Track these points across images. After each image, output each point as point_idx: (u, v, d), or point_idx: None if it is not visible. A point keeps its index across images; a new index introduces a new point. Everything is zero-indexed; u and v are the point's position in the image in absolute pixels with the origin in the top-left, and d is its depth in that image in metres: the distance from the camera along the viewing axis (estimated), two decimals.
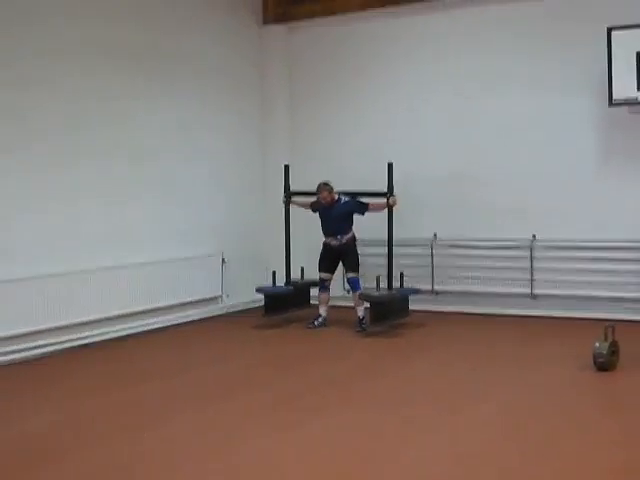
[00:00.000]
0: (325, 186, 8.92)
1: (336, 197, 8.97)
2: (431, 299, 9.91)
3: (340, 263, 9.12)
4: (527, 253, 9.41)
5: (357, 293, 8.86)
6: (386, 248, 8.97)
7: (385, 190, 8.82)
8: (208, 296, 9.84)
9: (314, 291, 9.49)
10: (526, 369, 6.99)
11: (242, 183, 10.48)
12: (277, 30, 10.72)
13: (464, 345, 8.12)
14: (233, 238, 10.16)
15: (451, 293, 9.88)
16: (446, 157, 9.84)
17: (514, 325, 9.02)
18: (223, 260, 9.98)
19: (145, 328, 8.82)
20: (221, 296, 10.03)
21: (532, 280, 9.40)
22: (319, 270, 9.15)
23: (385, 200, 8.81)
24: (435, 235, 9.90)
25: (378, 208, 8.88)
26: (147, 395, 6.39)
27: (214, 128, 10.03)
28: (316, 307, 9.28)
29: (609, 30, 8.50)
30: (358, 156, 10.25)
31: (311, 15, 10.47)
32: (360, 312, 8.84)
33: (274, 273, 9.31)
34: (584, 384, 6.49)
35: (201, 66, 9.80)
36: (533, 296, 9.40)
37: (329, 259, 9.12)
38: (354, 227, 9.08)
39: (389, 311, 8.68)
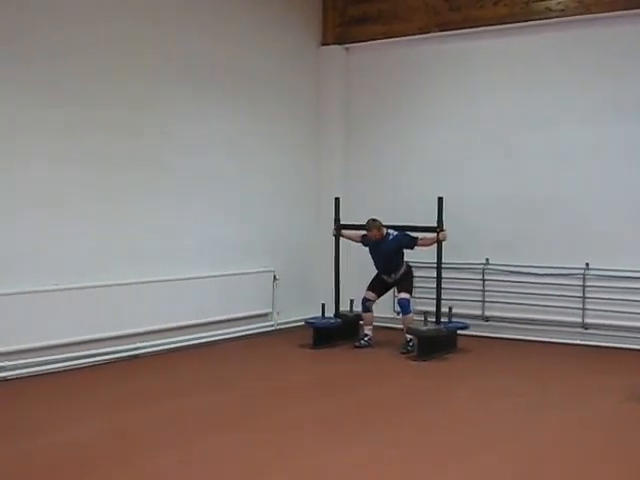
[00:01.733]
0: (374, 222, 8.97)
1: (385, 232, 9.01)
2: (482, 325, 9.85)
3: (392, 289, 9.24)
4: (580, 282, 9.30)
5: (408, 316, 8.85)
6: (435, 282, 8.92)
7: (435, 225, 8.78)
8: (259, 312, 9.91)
9: None
10: (572, 401, 6.90)
11: (297, 203, 10.56)
12: (335, 51, 10.81)
13: (511, 374, 8.03)
14: (286, 256, 10.22)
15: (502, 319, 9.79)
16: (500, 185, 9.80)
17: (564, 354, 8.91)
18: (275, 277, 10.05)
19: (195, 342, 8.93)
20: (271, 313, 10.08)
21: (584, 309, 9.28)
22: (367, 289, 9.16)
23: (435, 235, 8.78)
24: (487, 260, 9.84)
25: (428, 243, 8.86)
26: (192, 408, 6.45)
27: (271, 146, 10.14)
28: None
29: None
30: (411, 183, 10.29)
31: (370, 37, 10.55)
32: (409, 335, 8.80)
33: (323, 305, 9.27)
34: (630, 418, 6.38)
35: (260, 84, 9.91)
36: (585, 325, 9.27)
37: (380, 283, 9.16)
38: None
39: (436, 346, 8.66)
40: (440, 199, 8.74)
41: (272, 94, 10.11)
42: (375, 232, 8.95)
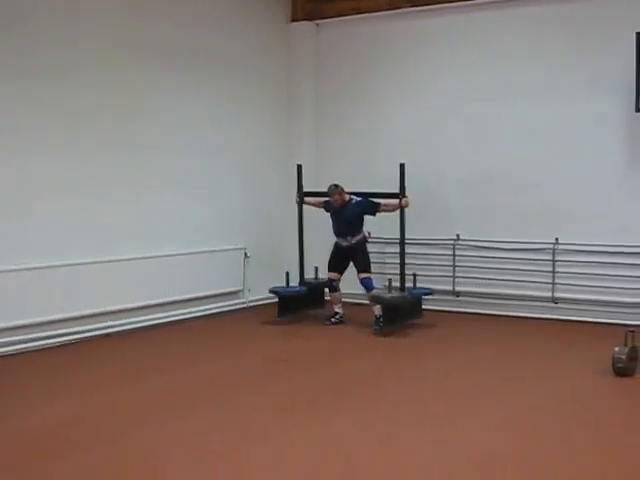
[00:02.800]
0: (336, 188, 8.92)
1: (347, 198, 8.95)
2: (452, 300, 9.92)
3: (351, 264, 9.08)
4: (549, 256, 9.38)
5: (373, 292, 8.85)
6: (399, 248, 8.96)
7: (397, 191, 8.75)
8: (230, 290, 9.90)
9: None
10: (543, 373, 6.98)
11: (268, 180, 10.51)
12: (305, 27, 10.74)
13: (481, 347, 8.10)
14: (257, 234, 10.21)
15: (472, 294, 9.86)
16: (470, 160, 9.82)
17: (534, 328, 8.99)
18: (246, 255, 10.03)
19: (167, 320, 8.91)
20: (242, 290, 10.07)
21: (554, 284, 9.37)
22: (328, 270, 9.19)
23: (398, 201, 8.76)
24: (458, 236, 9.89)
25: (390, 209, 8.84)
26: (161, 388, 6.44)
27: (241, 124, 10.08)
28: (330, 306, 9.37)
29: (638, 35, 8.48)
30: (382, 157, 10.24)
31: (340, 13, 10.50)
32: (377, 311, 8.76)
33: (287, 274, 9.27)
34: (601, 389, 6.48)
35: (229, 61, 9.84)
36: (554, 300, 9.37)
37: (338, 259, 9.12)
38: (366, 227, 9.11)
39: (401, 313, 8.73)
40: (402, 165, 8.71)
41: (240, 73, 10.03)
42: (337, 197, 8.91)
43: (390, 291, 8.64)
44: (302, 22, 10.71)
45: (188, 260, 9.23)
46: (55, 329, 7.76)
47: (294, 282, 9.45)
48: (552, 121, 9.39)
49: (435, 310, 9.58)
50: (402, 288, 8.88)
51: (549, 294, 9.39)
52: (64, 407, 5.84)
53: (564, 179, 9.33)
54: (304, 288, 9.42)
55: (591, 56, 9.13)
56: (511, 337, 8.55)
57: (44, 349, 7.57)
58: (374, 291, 8.82)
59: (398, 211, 8.82)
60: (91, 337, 8.05)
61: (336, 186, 8.92)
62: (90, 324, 8.09)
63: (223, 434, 5.26)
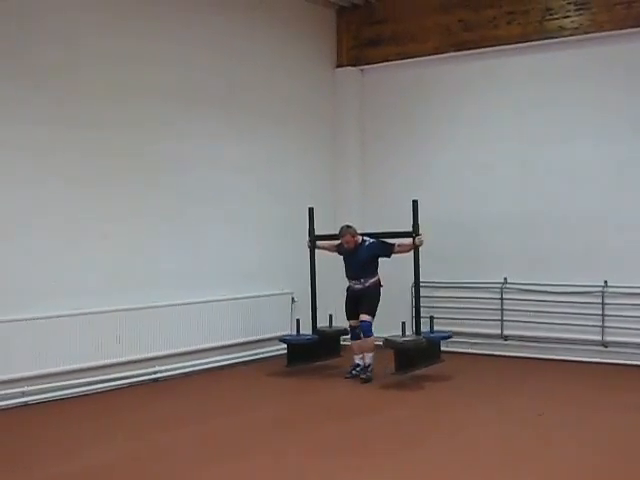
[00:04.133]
0: (348, 229, 8.54)
1: (360, 240, 8.57)
2: (500, 344, 9.83)
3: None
4: (599, 299, 9.26)
5: (369, 339, 8.41)
6: (413, 290, 8.69)
7: (410, 230, 8.40)
8: (278, 335, 9.90)
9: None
10: (593, 414, 6.88)
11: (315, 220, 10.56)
12: (350, 72, 10.89)
13: (529, 392, 7.98)
14: (303, 278, 10.21)
15: (520, 338, 9.75)
16: (518, 203, 9.82)
17: (584, 372, 8.85)
18: (293, 299, 10.08)
19: (215, 364, 8.97)
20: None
21: (603, 327, 9.24)
22: (347, 317, 8.74)
23: (412, 240, 8.36)
24: (505, 279, 9.82)
25: (405, 249, 8.44)
26: (206, 434, 6.45)
27: (288, 165, 10.23)
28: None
29: None
30: (427, 201, 10.19)
31: (384, 58, 10.65)
32: (368, 359, 8.43)
33: (298, 321, 8.97)
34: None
35: (277, 106, 10.04)
36: (604, 343, 9.23)
37: (353, 304, 8.64)
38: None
39: (415, 358, 8.27)
40: (415, 202, 8.43)
41: (289, 116, 10.21)
42: (349, 238, 8.50)
43: (404, 335, 8.23)
44: (347, 68, 10.88)
45: (236, 305, 9.30)
46: (103, 374, 7.87)
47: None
48: (600, 164, 9.35)
49: (483, 355, 9.49)
50: (417, 332, 8.50)
51: (599, 337, 9.26)
52: (106, 452, 5.90)
53: (612, 221, 9.25)
54: (315, 336, 9.00)
55: (635, 96, 9.11)
56: (558, 382, 8.40)
57: (91, 393, 7.67)
58: (372, 337, 8.38)
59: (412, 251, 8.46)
60: (140, 382, 8.14)
61: (348, 227, 8.57)
62: (138, 369, 8.20)
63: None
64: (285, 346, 9.22)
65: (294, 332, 9.14)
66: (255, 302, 9.55)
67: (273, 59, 9.99)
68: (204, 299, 8.90)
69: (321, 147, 10.84)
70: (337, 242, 8.75)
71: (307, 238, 9.15)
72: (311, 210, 9.17)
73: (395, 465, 5.59)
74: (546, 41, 9.54)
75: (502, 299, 9.83)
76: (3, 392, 7.10)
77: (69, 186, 7.73)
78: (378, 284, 8.57)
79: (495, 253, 9.91)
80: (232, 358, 9.24)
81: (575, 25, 9.32)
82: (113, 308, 7.96)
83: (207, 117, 9.13)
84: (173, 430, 6.54)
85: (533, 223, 9.69)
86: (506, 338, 9.84)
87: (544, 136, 9.65)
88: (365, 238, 8.59)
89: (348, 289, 8.67)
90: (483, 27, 9.90)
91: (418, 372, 8.33)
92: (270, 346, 9.74)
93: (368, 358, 8.41)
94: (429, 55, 10.32)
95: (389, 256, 8.49)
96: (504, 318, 9.85)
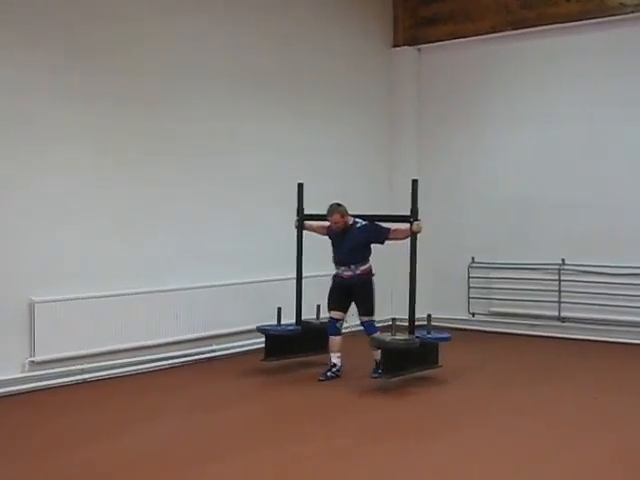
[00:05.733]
0: (338, 207, 7.55)
1: (350, 221, 7.59)
2: (557, 326, 9.74)
3: (352, 300, 7.69)
4: None
5: (375, 335, 7.49)
6: (408, 280, 7.49)
7: (408, 214, 7.43)
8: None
9: None
10: None
11: (370, 205, 10.50)
12: (407, 52, 10.81)
13: (588, 374, 7.90)
14: None
15: (578, 320, 9.64)
16: (578, 185, 9.64)
17: None
18: None
19: (251, 347, 8.79)
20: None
21: None
22: (328, 308, 7.73)
23: (409, 226, 7.40)
24: (563, 261, 9.71)
25: (401, 236, 7.49)
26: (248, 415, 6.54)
27: (344, 146, 10.19)
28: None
29: None
30: (484, 180, 10.23)
31: (441, 38, 10.55)
32: (377, 355, 7.52)
33: (279, 310, 7.91)
34: None
35: (331, 86, 9.99)
36: None
37: (340, 294, 7.67)
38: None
39: (407, 360, 7.29)
40: (415, 182, 7.48)
41: (343, 97, 10.17)
42: (337, 218, 7.52)
43: (394, 333, 7.29)
44: (403, 47, 10.79)
45: (290, 285, 9.32)
46: (160, 352, 7.99)
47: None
48: None
49: (540, 336, 9.43)
50: (411, 330, 7.41)
51: None
52: (155, 430, 6.00)
53: None
54: (298, 328, 8.03)
55: None
56: (615, 365, 8.32)
57: (149, 371, 7.79)
58: (375, 334, 7.48)
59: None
60: (196, 360, 8.25)
61: (338, 205, 7.57)
62: (195, 347, 8.31)
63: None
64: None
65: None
66: (310, 282, 9.54)
67: (328, 38, 9.93)
68: (258, 279, 8.91)
69: (377, 129, 10.78)
70: (327, 223, 7.76)
71: (295, 218, 8.18)
72: (300, 186, 8.21)
73: (445, 446, 5.62)
74: (607, 18, 9.35)
75: (560, 280, 9.72)
76: (64, 369, 7.25)
77: (128, 168, 7.82)
78: (370, 273, 7.62)
79: (553, 234, 9.78)
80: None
81: (637, 2, 9.12)
82: (171, 287, 8.07)
83: (260, 98, 9.11)
84: (226, 408, 6.62)
85: (593, 204, 9.53)
86: (563, 320, 9.72)
87: (604, 116, 9.46)
88: (357, 220, 7.61)
89: (335, 276, 7.69)
90: (542, 4, 9.75)
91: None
92: None
93: (378, 355, 7.48)
94: (486, 34, 10.17)
95: (382, 242, 7.58)
96: (561, 300, 9.74)
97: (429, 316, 7.64)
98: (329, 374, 7.57)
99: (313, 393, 7.15)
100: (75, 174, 7.44)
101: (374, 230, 7.56)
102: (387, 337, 7.25)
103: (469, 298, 10.21)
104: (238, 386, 7.43)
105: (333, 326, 7.64)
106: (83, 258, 7.46)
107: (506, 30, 10.03)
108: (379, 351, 7.39)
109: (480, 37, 10.25)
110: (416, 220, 7.34)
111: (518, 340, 9.62)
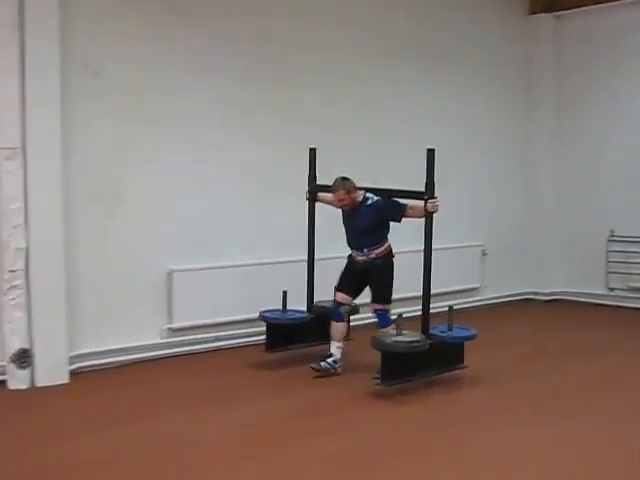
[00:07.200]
0: (342, 182, 6.58)
1: (360, 197, 6.61)
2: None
3: (367, 287, 6.76)
4: None
5: (387, 330, 6.57)
6: (422, 267, 6.45)
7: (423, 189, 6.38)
8: (467, 287, 9.88)
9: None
10: None
11: (507, 176, 10.39)
12: (544, 19, 10.45)
13: None
14: (495, 232, 10.10)
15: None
16: None
17: None
18: (483, 252, 10.00)
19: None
20: (479, 288, 10.03)
21: None
22: (336, 288, 6.83)
23: (423, 204, 6.38)
24: None
25: (418, 214, 6.41)
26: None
27: (480, 118, 10.02)
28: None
29: None
30: (625, 154, 9.87)
31: (581, 4, 10.13)
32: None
33: (284, 294, 7.08)
34: None
35: (467, 55, 9.80)
36: None
37: (351, 277, 6.78)
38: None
39: (416, 363, 6.22)
40: (430, 151, 6.37)
41: (477, 67, 9.94)
42: (341, 194, 6.55)
43: (399, 332, 6.22)
44: (540, 15, 10.45)
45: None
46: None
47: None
48: None
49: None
50: (424, 329, 6.38)
51: None
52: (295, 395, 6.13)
53: None
54: (307, 315, 7.17)
55: None
56: None
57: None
58: (388, 327, 6.58)
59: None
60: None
61: (343, 179, 6.59)
62: None
63: None
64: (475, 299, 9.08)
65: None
66: (442, 254, 9.44)
67: (462, 5, 9.72)
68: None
69: (512, 100, 10.49)
70: None
71: (306, 189, 7.35)
72: (312, 151, 7.31)
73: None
74: None
75: None
76: (199, 336, 7.51)
77: (265, 139, 7.92)
78: (388, 255, 6.65)
79: None
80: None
81: None
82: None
83: (397, 70, 9.05)
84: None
85: None
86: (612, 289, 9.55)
87: None
88: (368, 195, 6.61)
89: (349, 256, 6.79)
90: None
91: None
92: (457, 298, 9.67)
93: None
94: None
95: (399, 220, 6.56)
96: None
97: (450, 308, 6.63)
98: (323, 364, 6.60)
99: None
100: (214, 145, 7.61)
101: (387, 206, 6.56)
102: (388, 337, 6.22)
103: (607, 272, 9.92)
104: None
105: (336, 312, 6.73)
106: (221, 228, 7.64)
107: None
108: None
109: (623, 1, 9.77)
110: (432, 198, 6.31)
111: None
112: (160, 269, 7.32)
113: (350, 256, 6.75)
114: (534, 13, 10.51)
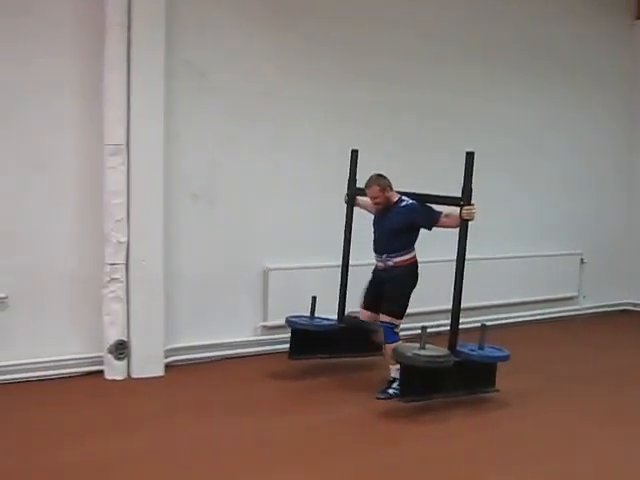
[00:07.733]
0: (378, 178, 6.25)
1: (395, 198, 6.29)
2: None
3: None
4: None
5: (391, 346, 6.07)
6: (454, 283, 6.03)
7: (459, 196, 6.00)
8: (563, 295, 9.68)
9: None
10: None
11: (604, 181, 10.16)
12: None
13: None
14: (593, 239, 9.90)
15: None
16: None
17: None
18: (582, 260, 9.79)
19: (492, 323, 8.71)
20: (577, 297, 9.84)
21: None
22: (361, 307, 6.61)
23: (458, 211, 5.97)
24: None
25: (453, 223, 6.00)
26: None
27: (578, 124, 9.79)
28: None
29: None
30: None
31: None
32: (393, 372, 6.19)
33: (314, 299, 6.76)
34: None
35: (566, 62, 9.59)
36: None
37: (374, 292, 6.43)
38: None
39: (441, 380, 5.86)
40: (470, 154, 5.91)
41: (579, 73, 9.70)
42: (375, 191, 6.24)
43: (422, 345, 5.80)
44: None
45: (522, 263, 9.14)
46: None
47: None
48: None
49: None
50: (451, 345, 6.00)
51: None
52: None
53: None
54: (335, 324, 6.79)
55: None
56: None
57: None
58: (395, 343, 6.09)
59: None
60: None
61: (379, 176, 6.26)
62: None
63: None
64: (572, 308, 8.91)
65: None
66: (540, 261, 9.32)
67: (564, 7, 9.47)
68: (489, 256, 8.66)
69: (615, 108, 10.20)
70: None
71: (345, 192, 6.98)
72: (354, 153, 6.96)
73: None
74: None
75: None
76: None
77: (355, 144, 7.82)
78: (409, 266, 6.22)
79: None
80: (515, 317, 9.09)
81: None
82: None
83: (502, 77, 8.97)
84: None
85: None
86: None
87: None
88: (404, 198, 6.27)
89: (373, 271, 6.48)
90: None
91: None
92: (553, 307, 9.51)
93: (393, 372, 6.20)
94: None
95: (430, 227, 6.14)
96: None
97: (483, 326, 6.15)
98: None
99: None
100: (309, 147, 7.66)
101: (421, 211, 6.18)
102: (409, 349, 5.80)
103: None
104: None
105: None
106: (316, 228, 7.64)
107: None
108: (397, 366, 6.02)
109: None
110: (468, 204, 5.91)
111: None
112: (256, 267, 7.42)
113: (374, 270, 6.44)
114: None
